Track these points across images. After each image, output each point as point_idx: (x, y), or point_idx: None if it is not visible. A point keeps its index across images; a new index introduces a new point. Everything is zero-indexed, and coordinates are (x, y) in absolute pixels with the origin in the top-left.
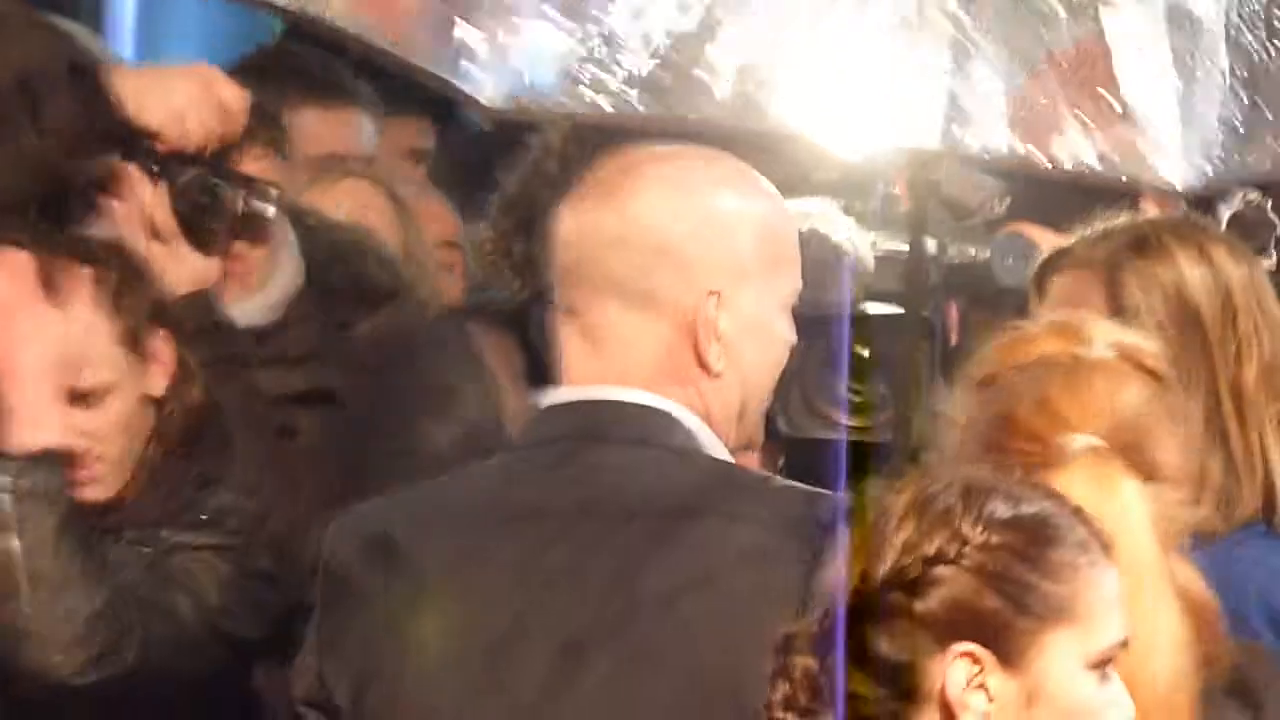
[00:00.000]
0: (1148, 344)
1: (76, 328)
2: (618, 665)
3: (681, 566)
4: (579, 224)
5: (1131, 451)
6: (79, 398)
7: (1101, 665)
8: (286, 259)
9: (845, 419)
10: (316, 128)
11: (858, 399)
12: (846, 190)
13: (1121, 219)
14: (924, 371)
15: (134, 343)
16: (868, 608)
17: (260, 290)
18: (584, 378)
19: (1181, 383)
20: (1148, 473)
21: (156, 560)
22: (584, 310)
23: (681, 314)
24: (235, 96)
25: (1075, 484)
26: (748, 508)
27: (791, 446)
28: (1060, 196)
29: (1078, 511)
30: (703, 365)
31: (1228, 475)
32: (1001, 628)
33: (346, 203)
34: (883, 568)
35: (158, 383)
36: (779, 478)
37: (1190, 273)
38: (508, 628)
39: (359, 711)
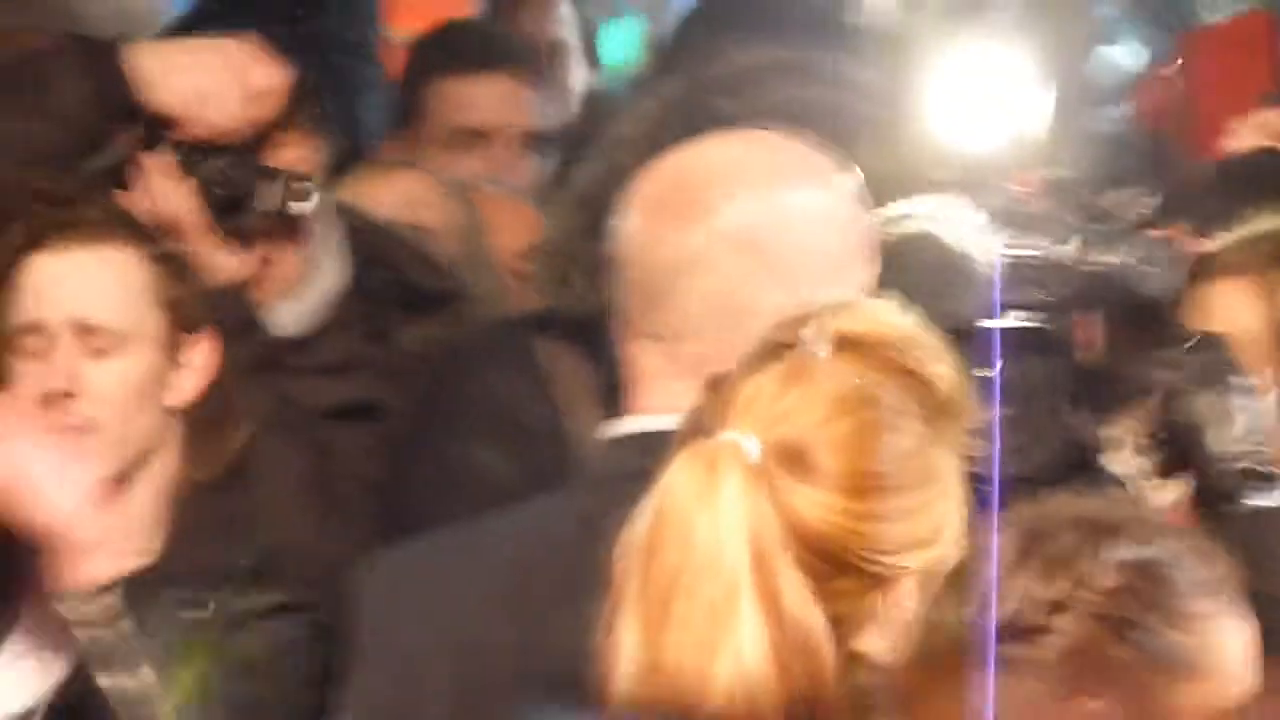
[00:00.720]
0: (898, 332)
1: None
2: None
3: None
4: (657, 239)
5: (792, 454)
6: (88, 333)
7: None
8: (325, 260)
9: None
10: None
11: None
12: (969, 188)
13: (1272, 220)
14: (1057, 393)
15: (169, 319)
16: (972, 659)
17: (296, 294)
18: (669, 404)
19: None
20: (811, 478)
21: (222, 644)
22: (668, 331)
23: None
24: (270, 75)
25: (679, 473)
26: None
27: None
28: (1217, 194)
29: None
30: None
31: None
32: (1129, 681)
33: (394, 196)
34: (996, 616)
35: (186, 385)
36: None
37: None
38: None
39: None
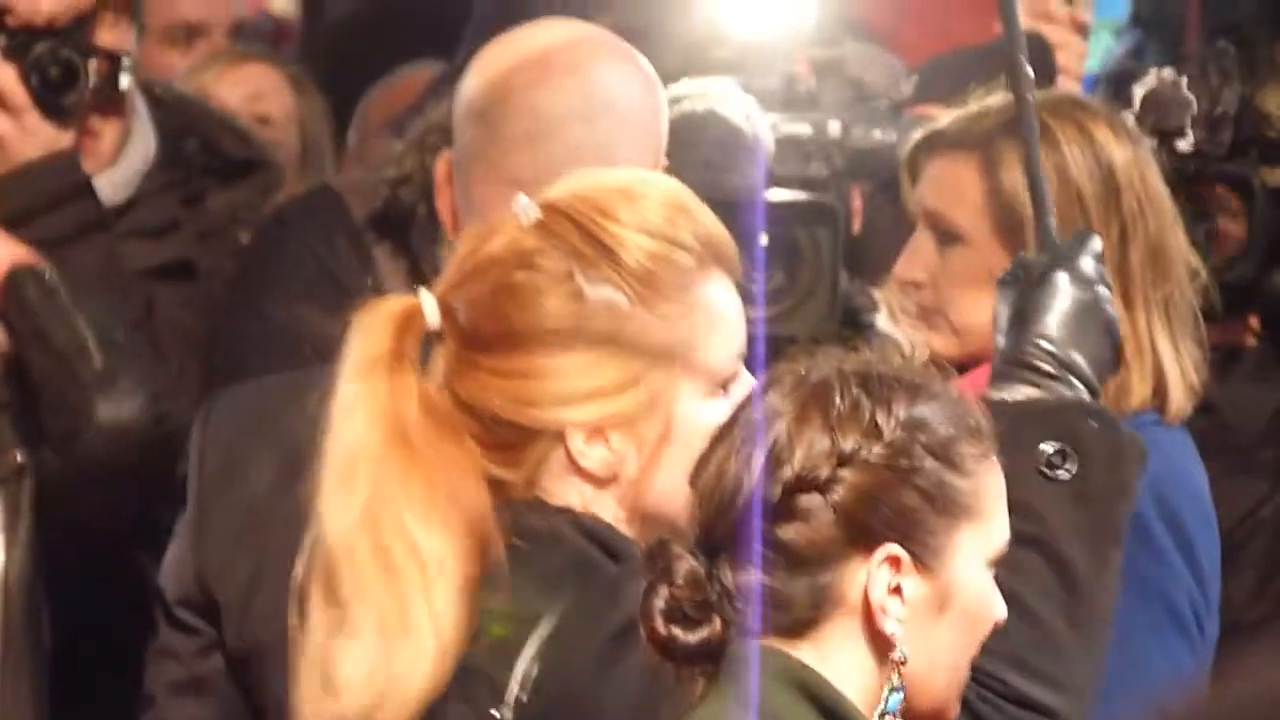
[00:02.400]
0: (598, 202)
1: None
2: None
3: None
4: (542, 94)
5: (445, 313)
6: None
7: (996, 562)
8: (140, 131)
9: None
10: None
11: (752, 286)
12: (745, 69)
13: (996, 97)
14: (825, 259)
15: None
16: (768, 507)
17: (116, 163)
18: None
19: None
20: (450, 336)
21: None
22: (535, 184)
23: None
24: None
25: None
26: None
27: None
28: (972, 76)
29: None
30: None
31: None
32: (918, 526)
33: (243, 87)
34: (789, 468)
35: None
36: None
37: (1070, 152)
38: None
39: (247, 617)
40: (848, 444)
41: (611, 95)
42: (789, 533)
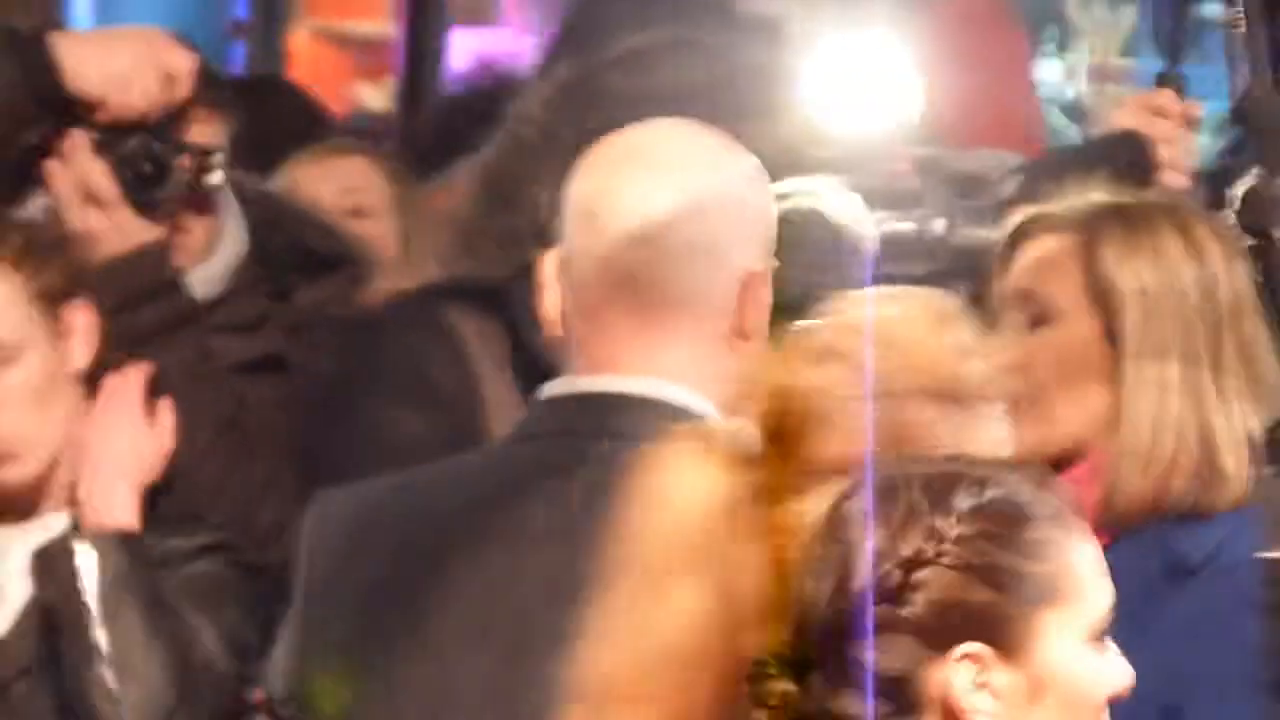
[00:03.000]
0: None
1: None
2: None
3: None
4: (650, 192)
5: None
6: None
7: (1100, 636)
8: (231, 227)
9: None
10: None
11: None
12: (847, 168)
13: (1099, 192)
14: None
15: (46, 306)
16: (844, 623)
17: (207, 259)
18: (631, 364)
19: (1158, 352)
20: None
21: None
22: (649, 284)
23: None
24: (182, 61)
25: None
26: None
27: None
28: (1078, 175)
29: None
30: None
31: (1203, 450)
32: (996, 620)
33: (335, 180)
34: (856, 580)
35: (79, 354)
36: None
37: (1172, 241)
38: (511, 635)
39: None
40: (910, 549)
41: (720, 192)
42: (866, 646)
